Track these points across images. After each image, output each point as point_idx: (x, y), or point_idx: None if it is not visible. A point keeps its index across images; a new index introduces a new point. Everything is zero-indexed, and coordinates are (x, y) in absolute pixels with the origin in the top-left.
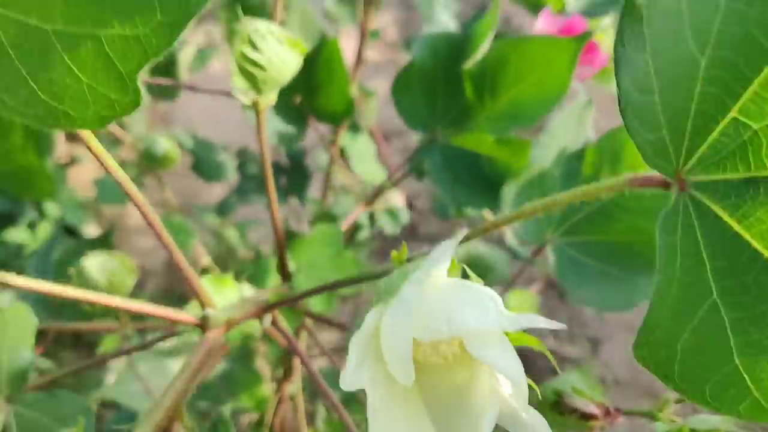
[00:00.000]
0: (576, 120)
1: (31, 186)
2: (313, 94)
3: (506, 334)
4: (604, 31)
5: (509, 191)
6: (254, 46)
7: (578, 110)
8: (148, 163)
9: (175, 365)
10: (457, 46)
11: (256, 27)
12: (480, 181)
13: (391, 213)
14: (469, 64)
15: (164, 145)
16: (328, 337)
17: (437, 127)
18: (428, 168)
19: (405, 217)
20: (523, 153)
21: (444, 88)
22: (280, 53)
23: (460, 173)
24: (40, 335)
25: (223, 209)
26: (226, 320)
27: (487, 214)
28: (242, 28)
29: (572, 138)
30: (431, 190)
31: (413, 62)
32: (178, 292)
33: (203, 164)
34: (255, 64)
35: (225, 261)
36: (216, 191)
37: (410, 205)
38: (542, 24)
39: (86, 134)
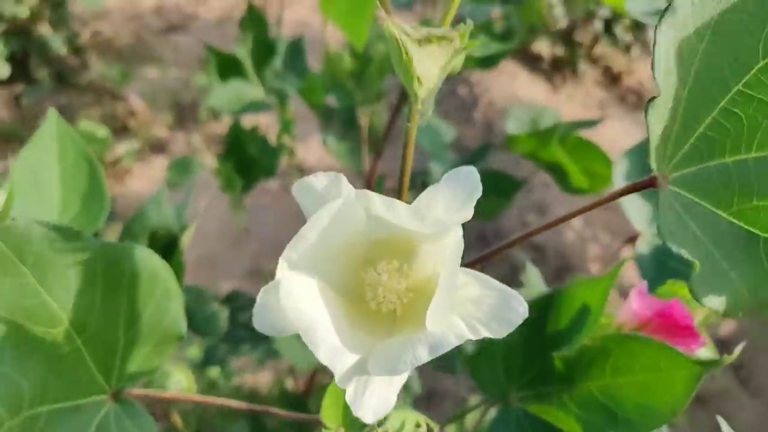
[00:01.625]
0: None
1: None
2: None
3: None
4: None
5: None
6: None
7: None
8: None
9: None
10: (544, 311)
11: None
12: None
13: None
14: (566, 351)
15: (181, 383)
16: None
17: (512, 389)
18: None
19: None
20: None
21: (523, 350)
22: None
23: None
24: None
25: (209, 359)
26: None
27: None
28: None
29: None
30: None
31: (504, 341)
32: None
33: (195, 316)
34: None
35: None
36: None
37: None
38: (636, 303)
39: None
